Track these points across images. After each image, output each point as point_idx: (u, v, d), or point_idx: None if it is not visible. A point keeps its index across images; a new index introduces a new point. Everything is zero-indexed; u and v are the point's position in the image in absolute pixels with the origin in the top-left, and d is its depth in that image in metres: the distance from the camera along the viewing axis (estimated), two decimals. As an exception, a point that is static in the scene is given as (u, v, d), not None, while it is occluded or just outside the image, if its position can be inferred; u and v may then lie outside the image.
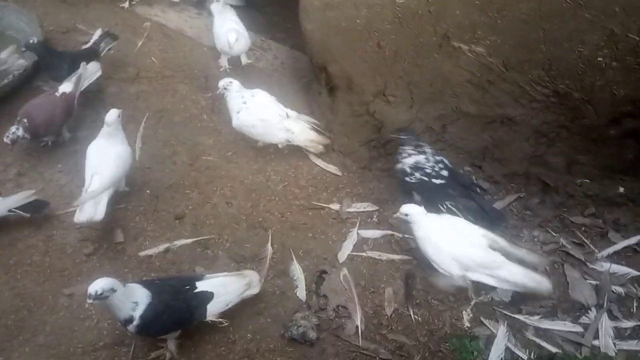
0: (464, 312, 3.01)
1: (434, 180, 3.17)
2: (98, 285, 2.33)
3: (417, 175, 3.20)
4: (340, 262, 3.19)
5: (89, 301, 2.34)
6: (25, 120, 3.31)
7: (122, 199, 3.32)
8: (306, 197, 3.56)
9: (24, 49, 3.75)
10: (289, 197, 3.57)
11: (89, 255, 3.05)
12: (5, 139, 3.30)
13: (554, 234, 3.34)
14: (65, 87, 3.54)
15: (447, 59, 3.20)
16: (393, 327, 2.95)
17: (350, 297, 3.00)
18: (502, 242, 2.89)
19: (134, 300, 2.44)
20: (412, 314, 2.99)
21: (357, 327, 2.89)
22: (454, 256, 2.84)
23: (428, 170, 3.19)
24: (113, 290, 2.35)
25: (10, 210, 3.05)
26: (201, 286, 2.66)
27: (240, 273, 2.88)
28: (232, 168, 3.68)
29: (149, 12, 4.78)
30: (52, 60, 3.75)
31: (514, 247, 2.91)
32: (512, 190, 3.58)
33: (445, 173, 3.19)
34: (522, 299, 3.03)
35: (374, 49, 3.34)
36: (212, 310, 2.66)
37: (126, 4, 4.77)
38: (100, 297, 2.33)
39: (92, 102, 3.88)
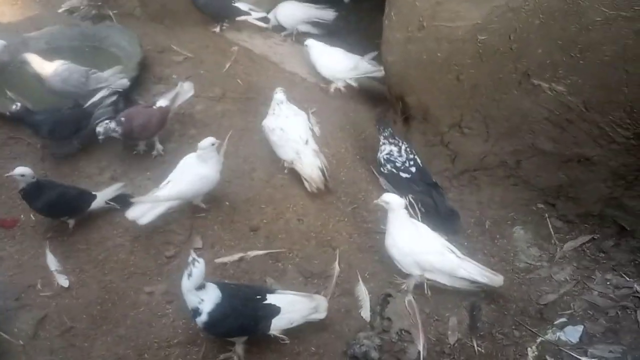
0: (528, 349, 2.99)
1: (401, 174, 3.58)
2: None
3: (389, 167, 3.62)
4: (406, 287, 3.23)
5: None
6: (123, 119, 3.59)
7: (202, 209, 3.54)
8: (375, 221, 3.64)
9: (8, 113, 3.64)
10: (358, 220, 3.67)
11: (169, 258, 3.27)
12: (98, 128, 3.53)
13: (628, 279, 3.26)
14: (162, 102, 3.85)
15: (526, 95, 3.24)
16: (455, 357, 2.96)
17: (414, 322, 3.03)
18: (458, 253, 3.12)
19: (202, 296, 2.60)
20: (475, 345, 2.99)
21: (419, 352, 2.92)
22: (416, 260, 3.09)
23: (398, 164, 3.60)
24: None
25: (106, 202, 3.37)
26: (271, 299, 2.78)
27: (310, 295, 2.97)
28: (305, 187, 3.84)
29: (237, 37, 5.08)
30: (33, 120, 3.62)
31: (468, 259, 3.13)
32: (585, 230, 3.53)
33: (413, 169, 3.59)
34: (590, 341, 2.97)
35: (452, 81, 3.43)
36: (276, 325, 2.77)
37: (217, 29, 5.11)
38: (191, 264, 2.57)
39: (182, 117, 4.17)
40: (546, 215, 3.55)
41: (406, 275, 3.19)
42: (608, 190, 3.35)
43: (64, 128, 3.67)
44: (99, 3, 5.09)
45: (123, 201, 3.41)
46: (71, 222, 3.34)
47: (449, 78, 3.44)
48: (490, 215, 3.65)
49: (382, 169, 3.67)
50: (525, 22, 3.02)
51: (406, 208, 3.23)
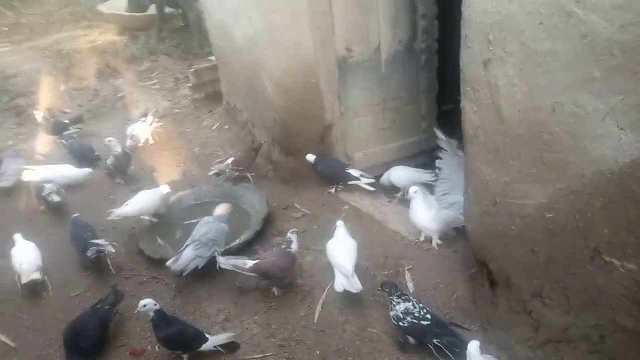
0: None
1: (422, 322, 3.87)
2: None
3: (409, 319, 3.89)
4: None
5: None
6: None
7: (296, 356, 3.95)
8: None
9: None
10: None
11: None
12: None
13: None
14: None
15: (600, 271, 3.29)
16: None
17: None
18: None
19: None
20: None
21: None
22: None
23: (416, 314, 3.90)
24: None
25: (214, 346, 3.96)
26: None
27: None
28: (393, 344, 4.07)
29: (349, 198, 5.76)
30: None
31: None
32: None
33: (429, 316, 3.91)
34: None
35: (528, 253, 3.61)
36: None
37: (332, 190, 5.88)
38: None
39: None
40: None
41: None
42: (702, 378, 3.13)
43: None
44: (241, 168, 6.21)
45: (229, 348, 4.02)
46: (185, 356, 3.96)
47: (524, 250, 3.62)
48: (576, 391, 3.54)
49: (401, 323, 3.90)
50: (587, 204, 3.20)
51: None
